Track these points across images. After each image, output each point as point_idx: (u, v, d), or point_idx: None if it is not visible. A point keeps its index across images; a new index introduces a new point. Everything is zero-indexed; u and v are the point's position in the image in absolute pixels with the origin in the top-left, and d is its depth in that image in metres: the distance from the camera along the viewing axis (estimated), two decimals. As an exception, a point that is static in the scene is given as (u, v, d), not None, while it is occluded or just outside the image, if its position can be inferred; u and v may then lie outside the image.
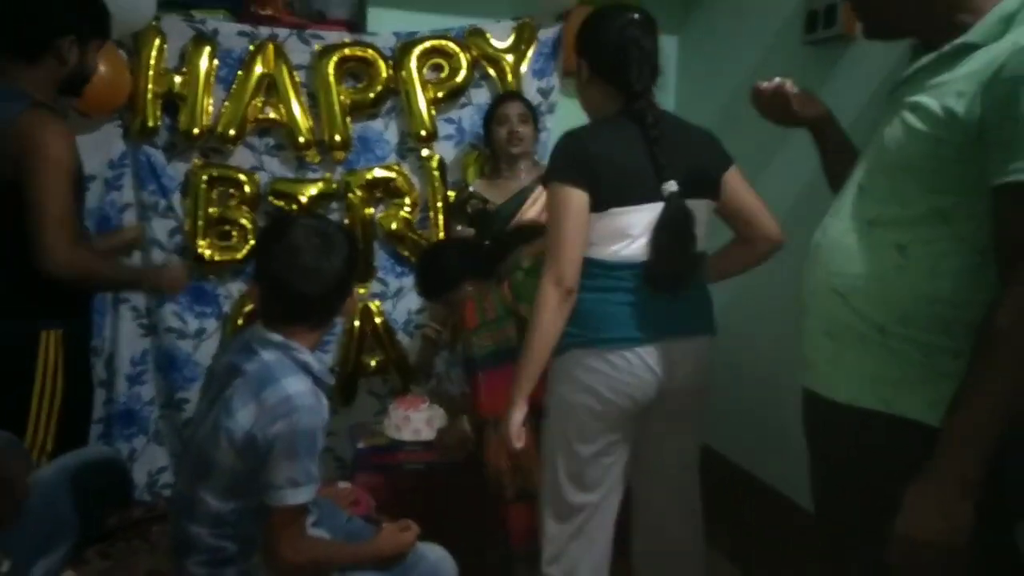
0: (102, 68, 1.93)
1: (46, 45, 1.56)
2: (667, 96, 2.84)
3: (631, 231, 1.43)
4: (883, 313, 1.04)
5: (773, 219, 1.57)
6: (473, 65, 2.44)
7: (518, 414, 1.48)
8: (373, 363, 2.47)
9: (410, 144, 2.45)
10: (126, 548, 1.55)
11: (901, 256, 1.03)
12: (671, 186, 1.42)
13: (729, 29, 2.47)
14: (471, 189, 2.34)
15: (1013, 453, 0.96)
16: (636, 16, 1.49)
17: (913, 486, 0.97)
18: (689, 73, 2.78)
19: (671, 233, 1.42)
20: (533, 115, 2.32)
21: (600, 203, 1.42)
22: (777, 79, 1.31)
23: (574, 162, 1.43)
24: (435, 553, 1.53)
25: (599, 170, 1.41)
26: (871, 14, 1.13)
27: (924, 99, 1.01)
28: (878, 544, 1.01)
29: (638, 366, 1.45)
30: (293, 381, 1.25)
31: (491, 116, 2.33)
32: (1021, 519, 1.07)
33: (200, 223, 2.26)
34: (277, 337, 1.30)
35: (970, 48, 0.99)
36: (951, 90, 0.98)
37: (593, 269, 1.45)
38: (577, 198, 1.41)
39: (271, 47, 2.27)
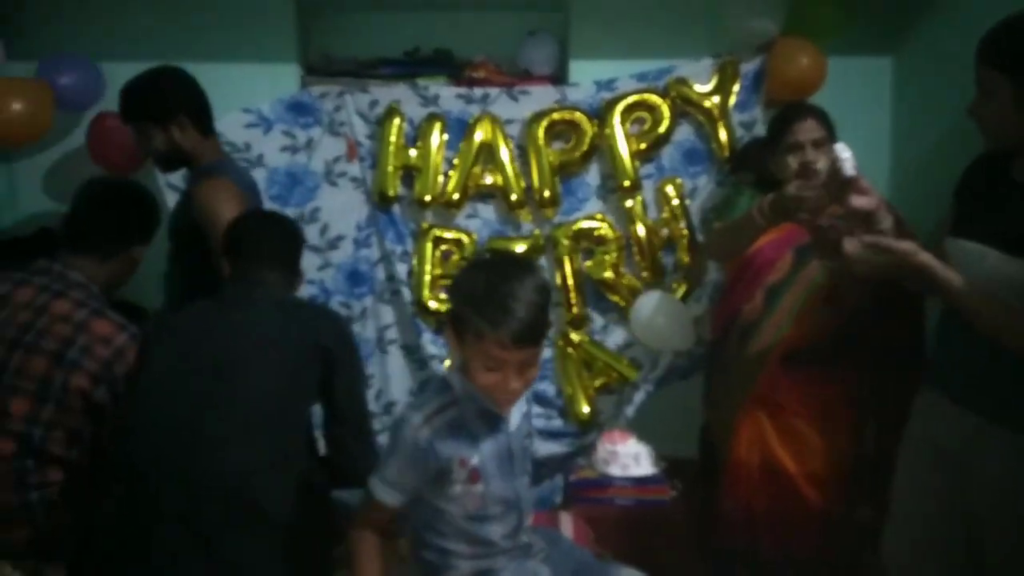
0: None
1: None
2: (882, 121, 2.71)
3: None
4: None
5: None
6: (675, 111, 2.48)
7: None
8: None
9: (610, 186, 2.55)
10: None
11: None
12: None
13: (952, 50, 2.30)
14: None
15: None
16: None
17: None
18: (906, 97, 2.62)
19: None
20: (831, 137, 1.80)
21: None
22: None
23: None
24: None
25: None
26: None
27: None
28: None
29: None
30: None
31: (779, 136, 1.81)
32: None
33: (426, 278, 2.53)
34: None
35: None
36: None
37: None
38: None
39: (488, 119, 2.51)
